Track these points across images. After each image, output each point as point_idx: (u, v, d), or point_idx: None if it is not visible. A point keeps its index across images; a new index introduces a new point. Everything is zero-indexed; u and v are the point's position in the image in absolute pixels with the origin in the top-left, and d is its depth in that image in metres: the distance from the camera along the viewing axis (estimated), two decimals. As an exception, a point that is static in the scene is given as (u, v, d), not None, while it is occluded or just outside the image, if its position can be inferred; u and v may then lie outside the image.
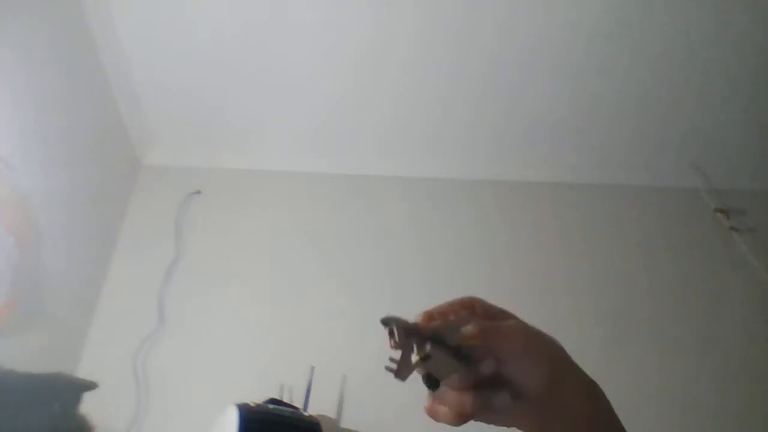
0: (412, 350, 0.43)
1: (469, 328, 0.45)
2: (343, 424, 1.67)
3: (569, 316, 1.80)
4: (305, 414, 1.52)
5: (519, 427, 0.48)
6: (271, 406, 1.42)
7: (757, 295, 1.85)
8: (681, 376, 1.75)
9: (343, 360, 1.76)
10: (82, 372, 1.78)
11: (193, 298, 1.90)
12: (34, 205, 1.56)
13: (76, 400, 1.03)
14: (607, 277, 1.93)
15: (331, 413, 1.68)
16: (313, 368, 1.68)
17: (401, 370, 0.43)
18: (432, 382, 0.45)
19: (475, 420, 0.46)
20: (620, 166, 2.12)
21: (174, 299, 1.90)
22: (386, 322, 0.44)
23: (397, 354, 0.43)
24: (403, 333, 0.43)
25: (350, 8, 1.77)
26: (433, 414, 0.47)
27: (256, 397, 1.44)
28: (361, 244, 2.01)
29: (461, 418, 0.46)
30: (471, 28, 1.79)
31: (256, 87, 1.99)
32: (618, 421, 0.49)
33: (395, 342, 0.43)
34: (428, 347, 0.42)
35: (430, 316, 0.49)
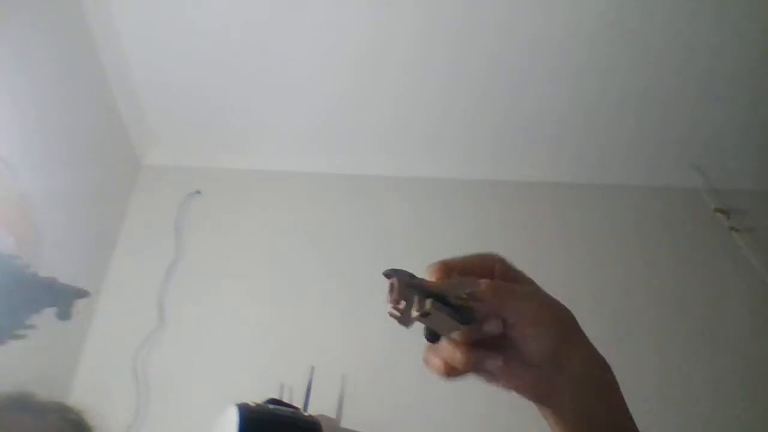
0: (413, 304, 0.42)
1: (481, 287, 0.44)
2: (343, 424, 1.67)
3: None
4: (305, 414, 1.52)
5: (518, 391, 0.47)
6: (271, 406, 1.43)
7: (757, 295, 1.85)
8: (681, 376, 1.75)
9: (343, 360, 1.76)
10: (82, 372, 1.78)
11: (193, 298, 1.90)
12: (34, 205, 1.56)
13: (70, 306, 1.12)
14: (607, 277, 1.93)
15: (331, 413, 1.68)
16: (313, 368, 1.68)
17: (402, 321, 0.43)
18: (433, 336, 0.44)
19: (477, 377, 0.46)
20: (620, 166, 2.12)
21: (174, 299, 1.90)
22: (389, 274, 0.43)
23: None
24: (403, 288, 0.42)
25: (350, 8, 1.77)
26: (426, 363, 0.47)
27: (256, 397, 1.44)
28: (361, 244, 2.01)
29: (451, 373, 0.45)
30: (471, 28, 1.79)
31: (256, 87, 1.99)
32: (624, 401, 0.48)
33: (394, 297, 0.42)
34: (428, 304, 0.41)
35: (445, 266, 0.48)
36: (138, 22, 1.86)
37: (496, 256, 0.51)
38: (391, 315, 0.43)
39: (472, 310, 0.43)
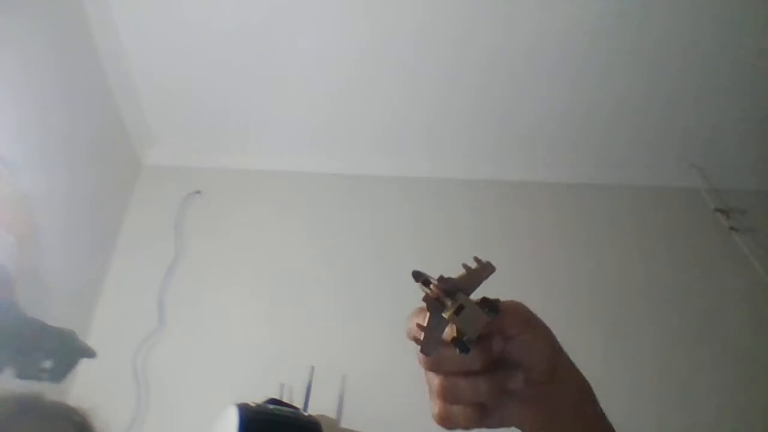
0: (442, 309, 0.42)
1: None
2: (343, 424, 1.67)
3: (569, 316, 1.79)
4: (305, 414, 1.52)
5: (520, 420, 0.45)
6: (271, 406, 1.42)
7: (757, 295, 1.85)
8: (681, 376, 1.75)
9: (343, 360, 1.76)
10: (82, 372, 1.78)
11: (193, 298, 1.90)
12: (34, 205, 1.56)
13: (72, 362, 1.03)
14: (607, 277, 1.93)
15: (331, 413, 1.68)
16: (313, 368, 1.68)
17: (427, 343, 0.41)
18: (461, 346, 0.41)
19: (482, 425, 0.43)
20: (620, 166, 2.12)
21: (174, 299, 1.90)
22: (418, 275, 0.44)
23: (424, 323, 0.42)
24: (439, 284, 0.42)
25: (350, 8, 1.77)
26: (445, 419, 0.43)
27: (256, 397, 1.44)
28: (361, 244, 2.01)
29: (479, 412, 0.42)
30: (471, 28, 1.79)
31: (256, 87, 1.99)
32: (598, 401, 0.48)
33: (434, 290, 0.42)
34: (461, 297, 0.41)
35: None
36: (138, 22, 1.86)
37: None
38: (415, 340, 0.42)
39: (495, 302, 0.42)
